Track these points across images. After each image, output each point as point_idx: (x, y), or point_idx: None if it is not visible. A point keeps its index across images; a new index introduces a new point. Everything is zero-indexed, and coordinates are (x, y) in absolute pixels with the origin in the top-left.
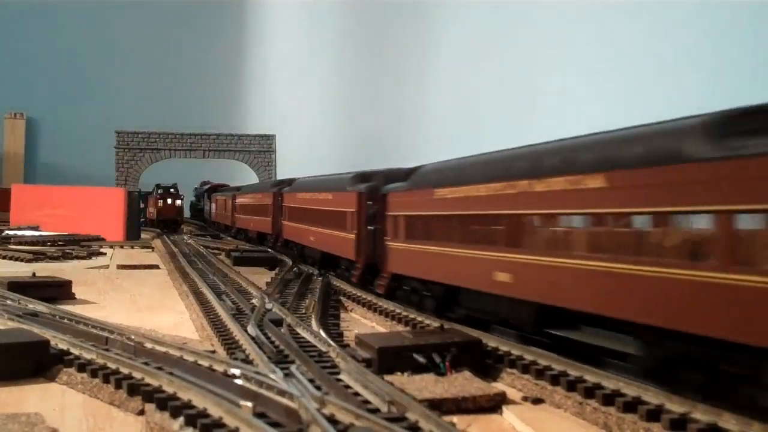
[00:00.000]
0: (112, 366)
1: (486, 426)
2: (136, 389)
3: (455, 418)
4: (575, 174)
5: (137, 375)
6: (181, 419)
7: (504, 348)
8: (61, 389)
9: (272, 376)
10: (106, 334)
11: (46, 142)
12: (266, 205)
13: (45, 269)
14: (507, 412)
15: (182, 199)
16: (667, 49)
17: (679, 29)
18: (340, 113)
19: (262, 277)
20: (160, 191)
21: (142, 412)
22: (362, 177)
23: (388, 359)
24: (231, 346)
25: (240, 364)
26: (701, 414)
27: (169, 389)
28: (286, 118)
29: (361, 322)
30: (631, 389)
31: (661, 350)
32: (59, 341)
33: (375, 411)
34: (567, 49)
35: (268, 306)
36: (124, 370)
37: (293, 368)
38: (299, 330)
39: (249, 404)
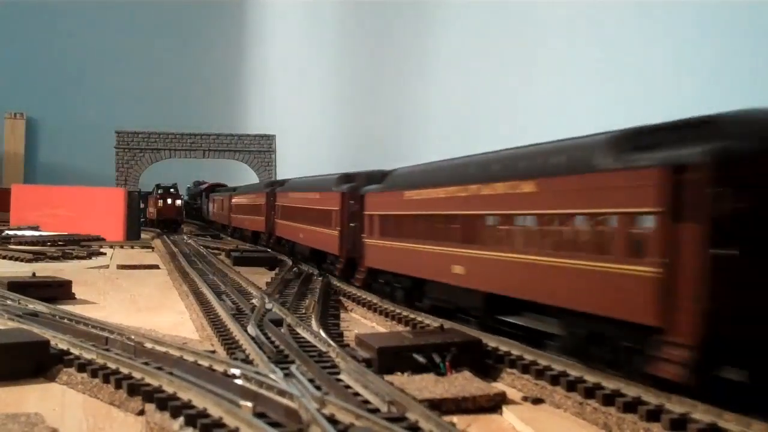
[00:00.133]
0: (112, 366)
1: (486, 426)
2: (136, 389)
3: (455, 418)
4: (513, 180)
5: (137, 375)
6: (181, 419)
7: (504, 348)
8: (61, 389)
9: (272, 376)
10: (106, 334)
11: (46, 142)
12: (260, 205)
13: (45, 269)
14: (507, 412)
15: (182, 199)
16: (667, 49)
17: (679, 29)
18: (340, 113)
19: (262, 277)
20: (160, 191)
21: (142, 412)
22: (346, 178)
23: (388, 359)
24: (231, 346)
25: (240, 364)
26: (701, 414)
27: (169, 389)
28: (286, 118)
29: (361, 322)
30: (631, 389)
31: (577, 330)
32: (59, 341)
33: (375, 411)
34: (567, 49)
35: (268, 306)
36: (124, 370)
37: (293, 368)
38: (299, 330)
39: (249, 404)
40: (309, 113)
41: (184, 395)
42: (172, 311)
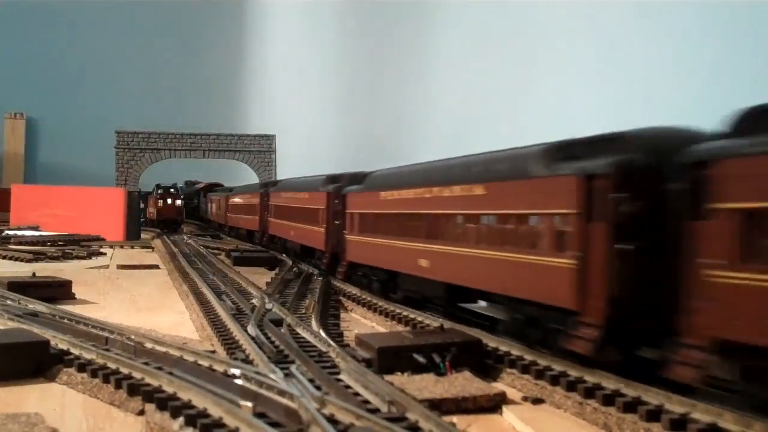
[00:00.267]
0: (112, 366)
1: (486, 426)
2: (136, 389)
3: (455, 418)
4: (468, 183)
5: (137, 375)
6: (181, 419)
7: (504, 348)
8: (61, 389)
9: (272, 376)
10: (106, 334)
11: (46, 142)
12: (254, 205)
13: (45, 269)
14: (507, 412)
15: (182, 199)
16: (667, 49)
17: (679, 29)
18: (340, 113)
19: (262, 277)
20: (160, 191)
21: (142, 412)
22: (332, 179)
23: (388, 359)
24: (231, 346)
25: (240, 364)
26: (701, 414)
27: (169, 389)
28: (286, 118)
29: (361, 322)
30: (631, 389)
31: (517, 314)
32: (59, 341)
33: (375, 411)
34: (567, 49)
35: (268, 306)
36: (124, 370)
37: (293, 368)
38: (299, 330)
39: (249, 404)
40: (309, 113)
41: (184, 395)
42: (172, 311)
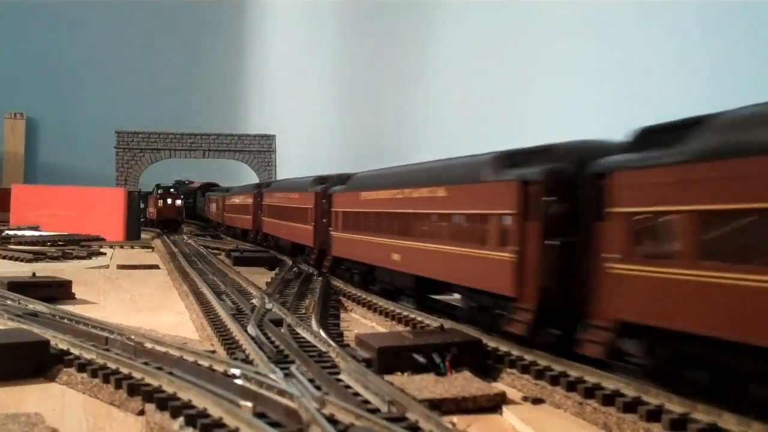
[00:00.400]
0: (112, 366)
1: (486, 426)
2: (136, 389)
3: (455, 418)
4: (432, 186)
5: (137, 375)
6: (181, 419)
7: (504, 348)
8: (61, 389)
9: (272, 376)
10: (106, 334)
11: (46, 142)
12: (248, 205)
13: (45, 269)
14: (507, 412)
15: (182, 199)
16: (667, 49)
17: (679, 29)
18: (340, 113)
19: (262, 277)
20: (160, 191)
21: (142, 412)
22: (320, 180)
23: (388, 359)
24: (231, 346)
25: (240, 364)
26: (701, 414)
27: (169, 389)
28: (286, 118)
29: (361, 322)
30: (630, 389)
31: (471, 303)
32: (59, 341)
33: (375, 411)
34: (567, 49)
35: (268, 306)
36: (124, 370)
37: (293, 368)
38: (299, 330)
39: (249, 404)
40: (309, 113)
41: (184, 395)
42: (172, 311)
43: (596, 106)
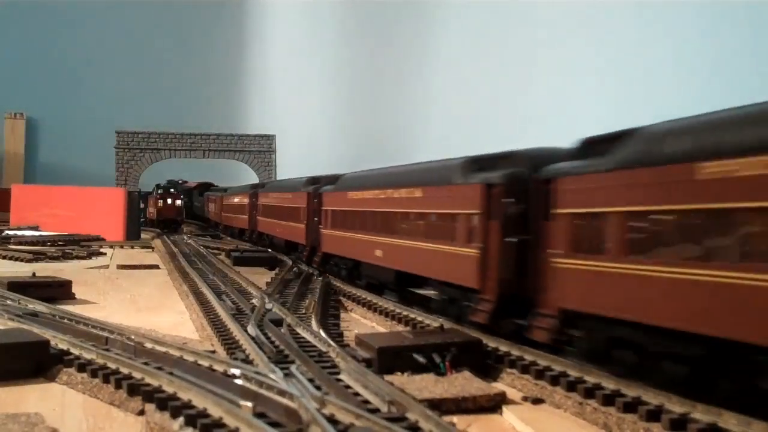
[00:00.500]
0: (112, 366)
1: (486, 426)
2: (136, 389)
3: (455, 418)
4: (410, 187)
5: (137, 375)
6: (181, 419)
7: (504, 348)
8: (61, 389)
9: (272, 376)
10: (106, 334)
11: (46, 142)
12: (244, 204)
13: (45, 269)
14: (507, 412)
15: (182, 199)
16: (667, 49)
17: (679, 29)
18: (340, 113)
19: (262, 277)
20: (160, 191)
21: (142, 412)
22: (312, 180)
23: (388, 359)
24: (231, 346)
25: (240, 364)
26: (701, 414)
27: (169, 389)
28: (286, 118)
29: (361, 322)
30: (631, 389)
31: (443, 295)
32: (59, 341)
33: (375, 411)
34: (567, 49)
35: (268, 306)
36: (124, 370)
37: (293, 368)
38: (299, 330)
39: (249, 404)
40: (309, 113)
41: (184, 395)
42: (172, 311)
43: (596, 106)
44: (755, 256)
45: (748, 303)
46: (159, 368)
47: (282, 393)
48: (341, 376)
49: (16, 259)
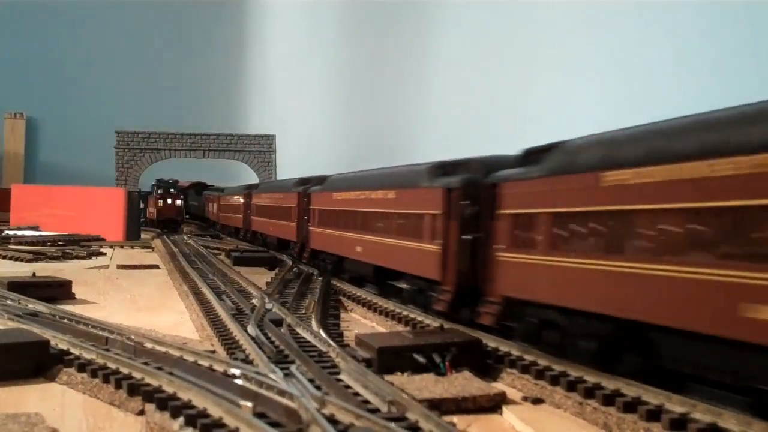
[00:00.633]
0: (112, 366)
1: (486, 426)
2: (136, 389)
3: (455, 418)
4: (385, 189)
5: (137, 375)
6: (181, 419)
7: (504, 348)
8: (61, 389)
9: (272, 376)
10: (106, 334)
11: (46, 142)
12: (239, 204)
13: (45, 269)
14: (507, 412)
15: (182, 199)
16: (667, 49)
17: (679, 29)
18: (340, 113)
19: (262, 277)
20: (160, 191)
21: (142, 412)
22: (302, 181)
23: (388, 359)
24: (231, 346)
25: (240, 364)
26: (701, 414)
27: (169, 389)
28: (286, 118)
29: (361, 322)
30: (631, 389)
31: (412, 287)
32: (59, 341)
33: (375, 411)
34: (567, 49)
35: (268, 306)
36: (124, 370)
37: (293, 368)
38: (299, 330)
39: (249, 404)
40: (309, 113)
41: (184, 395)
42: (172, 311)
43: (596, 106)
44: (646, 251)
45: (642, 288)
46: (159, 368)
47: (282, 393)
48: (341, 376)
49: (16, 259)
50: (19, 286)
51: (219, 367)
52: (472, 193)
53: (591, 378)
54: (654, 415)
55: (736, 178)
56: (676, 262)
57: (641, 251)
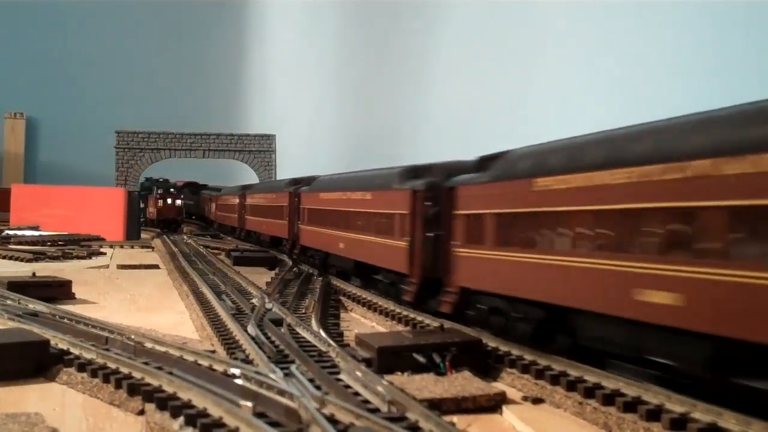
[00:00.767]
0: (112, 366)
1: (486, 426)
2: (136, 389)
3: (455, 418)
4: (363, 190)
5: (137, 375)
6: (181, 419)
7: (504, 348)
8: (61, 389)
9: (272, 376)
10: (106, 334)
11: (46, 142)
12: (234, 204)
13: (45, 269)
14: (507, 411)
15: (182, 199)
16: (667, 49)
17: (679, 29)
18: (340, 113)
19: (262, 277)
20: (160, 191)
21: (142, 412)
22: (294, 182)
23: (388, 359)
24: (231, 346)
25: (240, 364)
26: (701, 414)
27: (169, 389)
28: (286, 118)
29: (361, 322)
30: (631, 389)
31: (386, 279)
32: (59, 341)
33: (375, 411)
34: (567, 49)
35: (268, 306)
36: (124, 370)
37: (293, 368)
38: (299, 330)
39: (249, 404)
40: (309, 113)
41: (184, 395)
42: (172, 311)
43: (596, 105)
44: (565, 246)
45: (563, 278)
46: (159, 368)
47: (282, 393)
48: (341, 376)
49: (16, 259)
50: (19, 286)
51: (219, 367)
52: (434, 195)
53: (591, 378)
54: (654, 414)
55: (628, 185)
56: (586, 255)
57: (562, 246)
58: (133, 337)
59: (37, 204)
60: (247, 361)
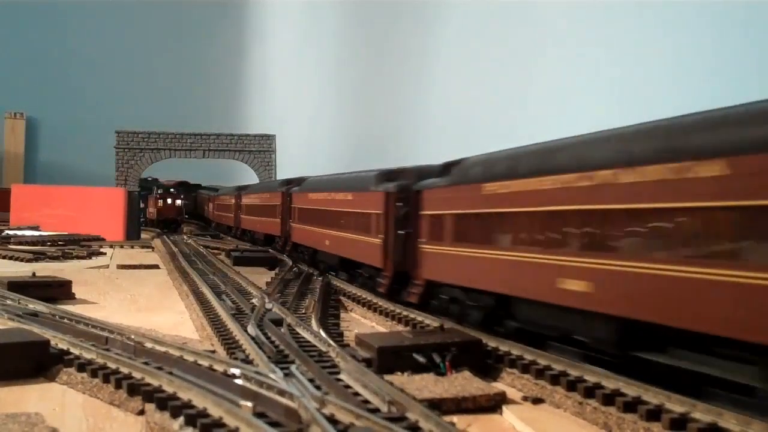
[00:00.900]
0: (112, 366)
1: (486, 426)
2: (136, 389)
3: (455, 418)
4: (345, 191)
5: (137, 375)
6: (181, 419)
7: (504, 348)
8: (61, 389)
9: (272, 376)
10: (106, 334)
11: (46, 142)
12: (230, 204)
13: (45, 269)
14: (507, 411)
15: (182, 199)
16: (667, 49)
17: (679, 29)
18: (340, 113)
19: (262, 277)
20: (160, 191)
21: (142, 412)
22: (286, 182)
23: (388, 359)
24: (231, 346)
25: (240, 364)
26: (701, 414)
27: (169, 389)
28: (286, 118)
29: (361, 322)
30: (631, 389)
31: (366, 273)
32: (59, 341)
33: (375, 411)
34: (567, 49)
35: (268, 306)
36: (124, 370)
37: (293, 368)
38: (299, 330)
39: (249, 404)
40: (309, 113)
41: (184, 395)
42: (172, 311)
43: (597, 105)
44: (508, 242)
45: (507, 270)
46: (159, 368)
47: (282, 393)
48: (341, 376)
49: (16, 259)
50: (19, 286)
51: (219, 367)
52: (405, 196)
53: (591, 378)
54: (654, 414)
55: (553, 191)
56: (523, 250)
57: (505, 243)
58: (133, 337)
59: (37, 204)
60: (247, 361)
